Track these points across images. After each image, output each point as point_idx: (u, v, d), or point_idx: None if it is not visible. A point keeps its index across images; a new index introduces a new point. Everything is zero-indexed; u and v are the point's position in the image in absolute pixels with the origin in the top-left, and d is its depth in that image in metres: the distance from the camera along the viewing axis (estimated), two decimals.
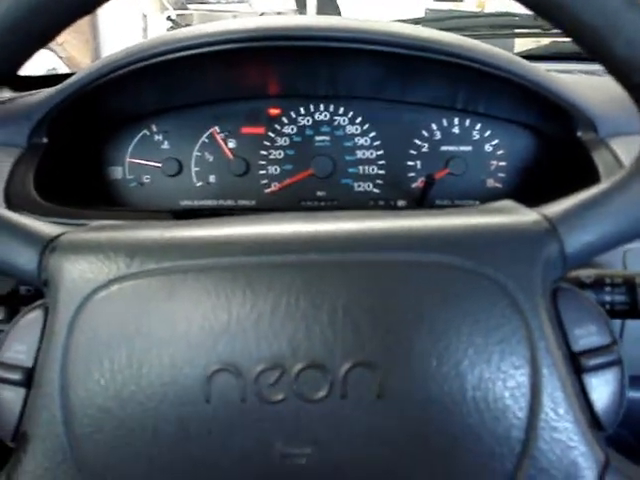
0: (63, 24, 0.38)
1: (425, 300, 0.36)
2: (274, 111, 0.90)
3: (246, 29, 0.75)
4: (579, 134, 0.77)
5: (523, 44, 1.55)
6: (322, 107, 0.90)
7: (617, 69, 0.38)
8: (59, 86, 0.81)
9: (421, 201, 0.86)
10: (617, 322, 0.65)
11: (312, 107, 0.90)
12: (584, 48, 0.38)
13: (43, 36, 0.38)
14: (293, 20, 0.79)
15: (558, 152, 0.84)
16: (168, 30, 4.44)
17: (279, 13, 4.57)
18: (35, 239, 0.41)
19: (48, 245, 0.41)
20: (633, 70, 0.37)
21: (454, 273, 0.37)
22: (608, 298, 0.45)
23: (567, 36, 0.38)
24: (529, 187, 0.87)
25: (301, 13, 4.35)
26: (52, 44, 0.36)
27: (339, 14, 3.99)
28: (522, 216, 0.40)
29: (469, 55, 0.75)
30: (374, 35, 0.74)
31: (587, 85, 0.80)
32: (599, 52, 0.37)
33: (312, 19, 0.79)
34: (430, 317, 0.36)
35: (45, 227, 0.42)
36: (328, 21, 0.77)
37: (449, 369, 0.35)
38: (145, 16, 4.30)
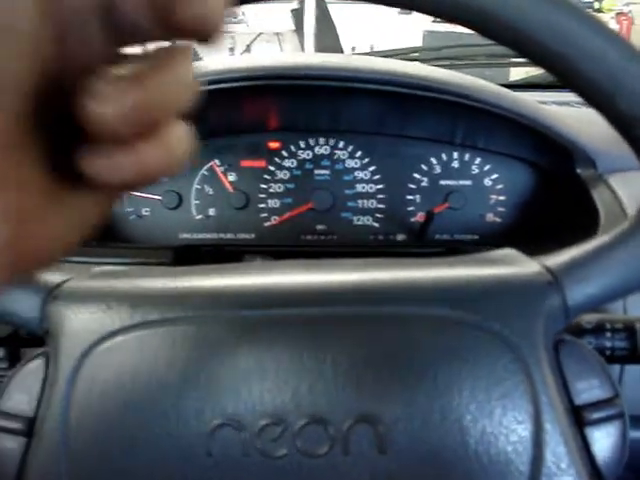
0: None
1: (428, 354, 0.37)
2: (274, 145, 0.90)
3: (249, 68, 0.76)
4: (578, 170, 0.77)
5: (518, 71, 1.56)
6: (322, 141, 0.90)
7: (618, 121, 0.38)
8: None
9: (421, 235, 0.87)
10: (616, 366, 0.65)
11: (312, 141, 0.90)
12: (584, 98, 0.38)
13: None
14: (294, 59, 0.80)
15: (557, 187, 0.85)
16: None
17: (277, 33, 4.59)
18: (37, 288, 0.41)
19: (50, 294, 0.40)
20: (634, 123, 0.37)
21: (457, 327, 0.37)
22: (608, 344, 0.45)
23: (567, 87, 0.38)
24: (528, 221, 0.88)
25: (299, 34, 4.36)
26: None
27: (337, 35, 4.01)
28: (524, 267, 0.40)
29: (465, 93, 0.76)
30: (374, 75, 0.75)
31: (584, 119, 0.80)
32: (599, 103, 0.38)
33: (314, 58, 0.79)
34: (433, 372, 0.36)
35: (46, 274, 0.42)
36: (329, 60, 0.78)
37: (451, 424, 0.35)
38: None
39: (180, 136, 0.25)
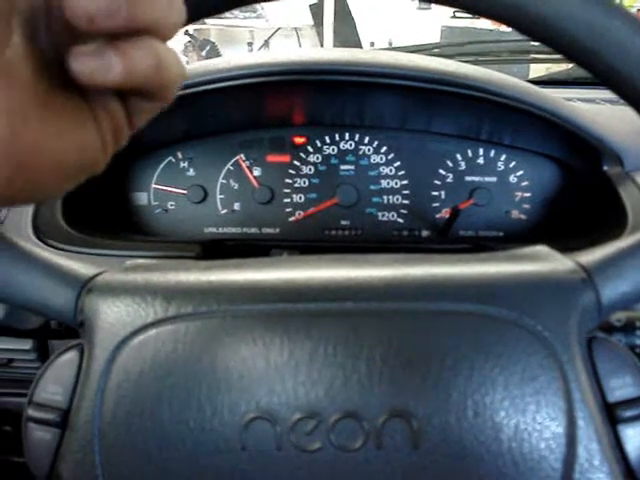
0: None
1: (462, 350, 0.37)
2: (299, 140, 0.90)
3: (276, 63, 0.76)
4: (605, 168, 0.77)
5: (538, 68, 1.55)
6: (347, 136, 0.90)
7: None
8: None
9: (445, 232, 0.87)
10: None
11: (337, 136, 0.90)
12: (618, 94, 0.38)
13: None
14: (320, 54, 0.80)
15: (583, 185, 0.84)
16: (186, 44, 4.47)
17: (295, 29, 4.60)
18: (71, 280, 0.41)
19: (85, 286, 0.41)
20: None
21: (491, 323, 0.37)
22: (638, 341, 0.45)
23: (601, 82, 0.39)
24: (554, 219, 0.88)
25: (318, 29, 4.36)
26: None
27: (355, 30, 4.01)
28: (558, 264, 0.40)
29: (491, 89, 0.76)
30: (400, 70, 0.75)
31: (611, 116, 0.80)
32: (634, 100, 0.38)
33: (339, 53, 0.79)
34: (467, 368, 0.36)
35: (80, 267, 0.43)
36: (355, 55, 0.78)
37: (485, 420, 0.35)
38: None
39: (171, 55, 0.28)
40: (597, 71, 0.38)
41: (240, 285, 0.40)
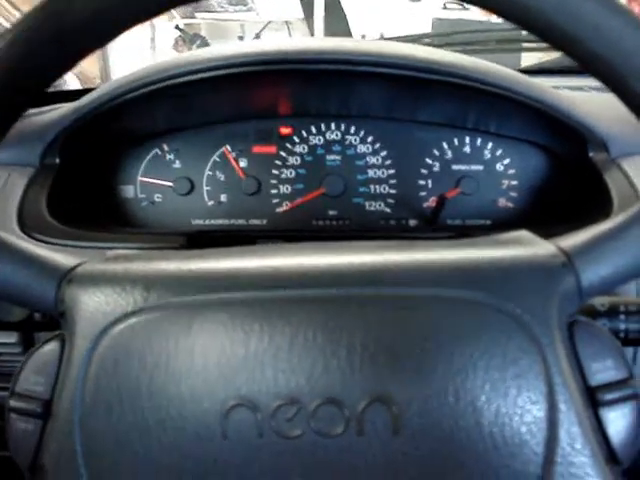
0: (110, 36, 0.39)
1: (442, 335, 0.37)
2: (285, 130, 0.90)
3: (261, 52, 0.76)
4: (590, 154, 0.77)
5: (530, 56, 1.55)
6: (333, 126, 0.90)
7: (632, 103, 0.38)
8: (72, 105, 0.82)
9: (432, 220, 0.87)
10: (630, 348, 0.65)
11: (323, 126, 0.90)
12: (599, 79, 0.38)
13: (81, 51, 0.39)
14: (306, 43, 0.80)
15: (570, 172, 0.84)
16: (176, 39, 4.46)
17: (286, 22, 4.58)
18: (52, 271, 0.41)
19: (65, 277, 0.41)
20: None
21: (471, 307, 0.37)
22: (622, 326, 0.45)
23: (583, 68, 0.38)
24: (541, 206, 0.88)
25: (308, 22, 4.35)
26: None
27: (346, 23, 4.00)
28: (539, 248, 0.40)
29: (477, 77, 0.76)
30: (386, 59, 0.75)
31: (597, 103, 0.80)
32: (614, 84, 0.38)
33: (324, 42, 0.79)
34: (447, 352, 0.36)
35: (61, 257, 0.42)
36: (340, 44, 0.77)
37: (466, 405, 0.35)
38: (153, 25, 4.31)
39: None
40: (577, 56, 0.38)
41: (220, 273, 0.40)
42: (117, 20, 0.38)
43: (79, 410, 0.37)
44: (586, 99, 0.84)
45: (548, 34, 0.37)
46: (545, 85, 0.79)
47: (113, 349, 0.38)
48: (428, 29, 3.36)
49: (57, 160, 0.81)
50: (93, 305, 0.39)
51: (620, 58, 0.36)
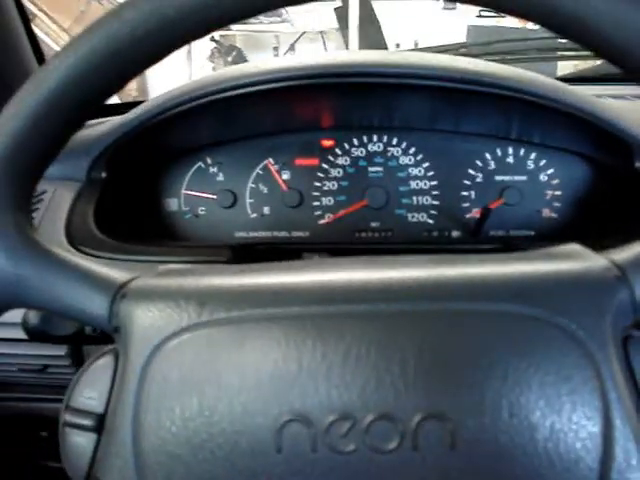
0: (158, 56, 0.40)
1: (496, 350, 0.36)
2: (327, 142, 0.90)
3: (304, 66, 0.76)
4: (637, 164, 0.75)
5: (566, 65, 1.54)
6: (375, 138, 0.90)
7: None
8: (118, 120, 0.83)
9: (476, 232, 0.86)
10: None
11: (365, 138, 0.90)
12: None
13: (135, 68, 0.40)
14: (348, 56, 0.80)
15: (615, 182, 0.83)
16: (212, 51, 4.50)
17: (321, 32, 4.60)
18: (106, 285, 0.41)
19: (119, 292, 0.41)
20: None
21: (525, 323, 0.37)
22: None
23: (634, 78, 0.38)
24: (585, 217, 0.86)
25: (343, 32, 4.36)
26: None
27: (381, 32, 4.01)
28: (591, 263, 0.39)
29: (520, 87, 0.75)
30: (428, 71, 0.75)
31: None
32: None
33: (367, 55, 0.79)
34: (501, 368, 0.36)
35: (114, 272, 0.43)
36: (383, 57, 0.78)
37: (521, 420, 0.35)
38: None
39: None
40: (626, 66, 0.37)
41: (272, 288, 0.40)
42: (173, 38, 0.39)
43: (133, 425, 0.37)
44: (630, 108, 0.83)
45: (597, 45, 0.37)
46: (588, 94, 0.78)
47: (167, 364, 0.38)
48: (463, 37, 3.34)
49: (103, 174, 0.83)
50: (148, 320, 0.39)
51: None
